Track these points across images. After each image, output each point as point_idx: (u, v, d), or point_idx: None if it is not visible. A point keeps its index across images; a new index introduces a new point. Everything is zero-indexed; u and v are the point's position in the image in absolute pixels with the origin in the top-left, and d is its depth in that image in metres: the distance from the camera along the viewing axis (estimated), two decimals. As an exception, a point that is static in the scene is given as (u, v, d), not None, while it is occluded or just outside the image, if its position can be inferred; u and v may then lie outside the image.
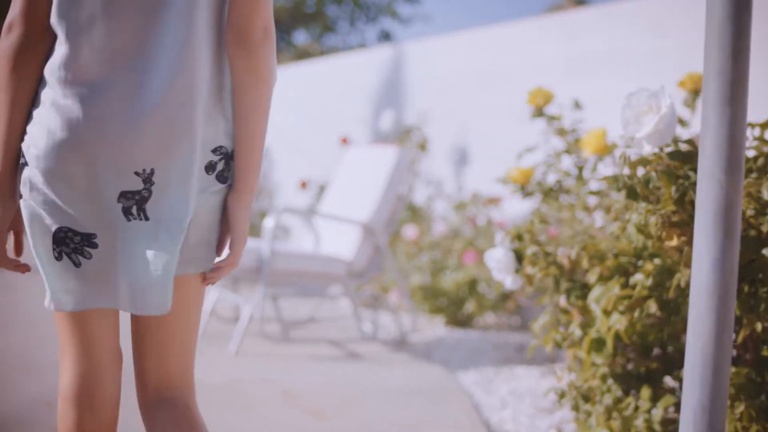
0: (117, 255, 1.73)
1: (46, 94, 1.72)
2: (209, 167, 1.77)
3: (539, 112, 3.70)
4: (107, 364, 1.85)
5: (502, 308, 6.04)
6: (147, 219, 1.71)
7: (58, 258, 1.74)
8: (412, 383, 4.51)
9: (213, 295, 5.46)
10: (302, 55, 14.32)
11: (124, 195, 1.69)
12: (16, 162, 1.76)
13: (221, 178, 1.79)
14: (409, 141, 7.35)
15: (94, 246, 1.72)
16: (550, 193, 3.71)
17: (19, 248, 1.90)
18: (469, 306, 5.98)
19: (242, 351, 4.97)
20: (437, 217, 7.00)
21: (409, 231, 6.43)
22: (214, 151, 1.77)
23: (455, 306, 6.05)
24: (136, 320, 1.87)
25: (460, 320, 6.09)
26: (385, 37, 18.86)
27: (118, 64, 1.70)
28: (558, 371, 3.17)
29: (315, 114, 9.79)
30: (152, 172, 1.69)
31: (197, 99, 1.72)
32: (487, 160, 6.96)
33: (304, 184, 7.89)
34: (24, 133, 1.74)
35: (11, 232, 1.87)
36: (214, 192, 1.79)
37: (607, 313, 2.65)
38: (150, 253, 1.72)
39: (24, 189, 1.73)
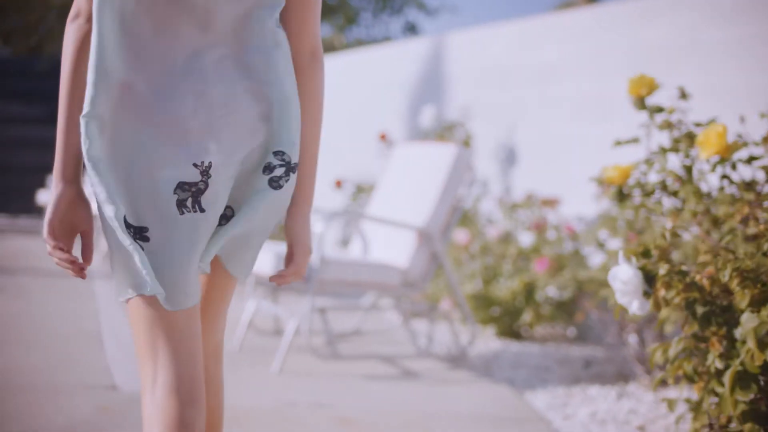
0: (171, 250, 1.75)
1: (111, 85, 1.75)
2: (266, 168, 1.82)
3: (641, 103, 3.27)
4: (199, 357, 1.82)
5: (561, 318, 5.62)
6: (203, 211, 1.74)
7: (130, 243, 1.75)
8: (479, 407, 4.09)
9: (250, 306, 5.05)
10: (327, 48, 13.81)
11: (180, 186, 1.73)
12: (79, 147, 1.80)
13: (274, 184, 1.82)
14: (453, 137, 6.91)
15: (146, 240, 1.73)
16: (651, 196, 3.29)
17: (87, 252, 1.89)
18: (526, 316, 5.56)
19: (287, 369, 4.56)
20: (486, 220, 6.56)
21: (459, 235, 6.00)
22: (275, 153, 1.82)
23: (510, 316, 5.63)
24: None
25: (514, 331, 5.67)
26: (411, 29, 18.43)
27: (185, 59, 1.75)
28: (683, 401, 2.75)
29: (346, 110, 9.37)
30: (210, 165, 1.73)
31: (256, 99, 1.78)
32: (537, 158, 6.53)
33: (339, 183, 7.46)
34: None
35: (80, 233, 1.87)
36: (266, 195, 1.82)
37: (764, 345, 2.22)
38: (213, 240, 1.80)
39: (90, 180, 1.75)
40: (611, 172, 3.32)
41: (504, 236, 5.96)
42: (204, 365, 1.91)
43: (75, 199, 1.83)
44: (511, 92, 6.86)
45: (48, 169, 13.90)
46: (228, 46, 1.78)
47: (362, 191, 7.53)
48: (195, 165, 1.72)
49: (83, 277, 1.85)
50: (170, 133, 1.72)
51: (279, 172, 1.82)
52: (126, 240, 1.72)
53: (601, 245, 4.73)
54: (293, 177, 1.84)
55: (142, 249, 1.73)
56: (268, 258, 4.46)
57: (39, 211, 14.67)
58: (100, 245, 10.19)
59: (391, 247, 4.98)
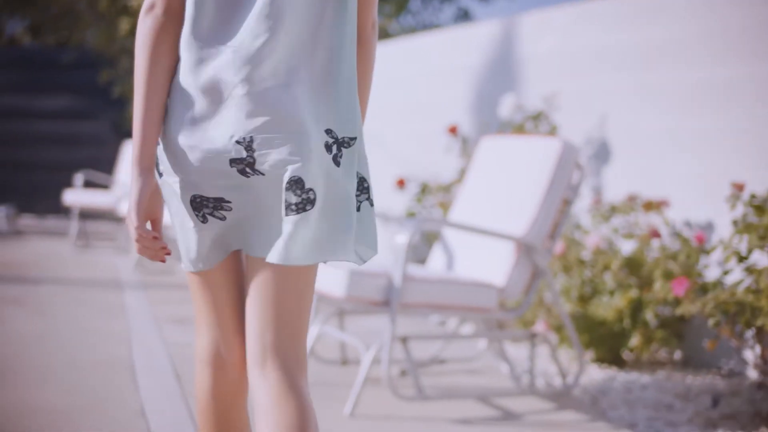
0: (249, 209, 1.92)
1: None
2: (327, 147, 1.90)
3: None
4: (235, 330, 2.05)
5: (672, 343, 4.83)
6: (263, 174, 1.87)
7: (204, 221, 1.93)
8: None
9: (313, 332, 4.29)
10: (380, 35, 12.97)
11: (234, 161, 1.87)
12: (156, 140, 1.93)
13: (336, 161, 1.90)
14: (536, 130, 6.11)
15: (228, 209, 1.92)
16: None
17: (159, 236, 1.96)
18: (633, 339, 4.77)
19: (362, 412, 3.80)
20: (573, 225, 5.75)
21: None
22: (327, 131, 1.90)
23: (613, 339, 4.84)
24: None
25: (617, 357, 4.88)
26: (464, 15, 17.60)
27: (236, 40, 1.88)
28: None
29: (402, 101, 8.60)
30: (252, 139, 1.86)
31: (298, 77, 1.88)
32: (632, 154, 5.73)
33: (402, 183, 6.67)
34: (163, 109, 1.93)
35: (148, 221, 1.95)
36: (338, 176, 1.90)
37: None
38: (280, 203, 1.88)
39: (161, 168, 1.94)
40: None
41: (602, 245, 5.16)
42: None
43: (155, 188, 1.93)
44: (600, 79, 6.06)
45: (76, 166, 13.25)
46: (311, 22, 1.90)
47: (429, 192, 6.74)
48: (238, 142, 1.85)
49: (170, 253, 1.93)
50: (220, 110, 1.87)
51: (334, 150, 1.90)
52: (190, 222, 1.94)
53: (743, 259, 3.92)
54: (354, 153, 1.95)
55: (225, 216, 1.93)
56: (339, 277, 3.70)
57: (66, 212, 14.00)
58: (131, 251, 9.48)
59: (479, 261, 4.21)
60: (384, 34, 13.03)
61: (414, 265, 4.18)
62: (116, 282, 7.49)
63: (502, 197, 4.32)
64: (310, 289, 1.96)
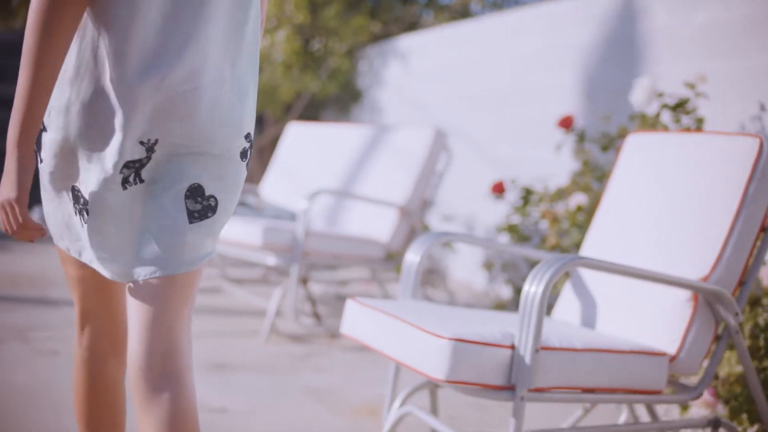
0: (107, 222, 1.87)
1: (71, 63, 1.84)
2: (243, 154, 1.90)
3: None
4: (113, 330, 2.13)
5: None
6: (142, 182, 1.84)
7: (76, 213, 1.91)
8: None
9: (394, 407, 3.12)
10: (460, 14, 11.67)
11: (126, 165, 1.82)
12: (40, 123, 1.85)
13: (248, 167, 1.92)
14: (677, 124, 4.87)
15: (89, 213, 1.88)
16: None
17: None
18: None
19: None
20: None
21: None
22: (246, 137, 1.90)
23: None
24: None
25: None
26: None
27: (140, 36, 1.79)
28: None
29: (493, 90, 7.40)
30: (156, 141, 1.82)
31: (208, 79, 1.82)
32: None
33: (500, 188, 5.44)
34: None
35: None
36: (239, 180, 1.91)
37: None
38: (151, 210, 1.84)
39: (45, 153, 1.91)
40: None
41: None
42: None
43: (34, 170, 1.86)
44: (755, 58, 4.84)
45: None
46: (219, 21, 1.83)
47: (532, 201, 5.52)
48: (141, 142, 1.81)
49: (43, 235, 1.84)
50: (128, 115, 1.77)
51: (250, 153, 1.94)
52: (72, 208, 1.91)
53: None
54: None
55: (84, 222, 1.88)
56: (436, 349, 2.52)
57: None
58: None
59: (633, 313, 3.01)
60: (465, 13, 11.80)
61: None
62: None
63: (664, 221, 3.11)
64: None
